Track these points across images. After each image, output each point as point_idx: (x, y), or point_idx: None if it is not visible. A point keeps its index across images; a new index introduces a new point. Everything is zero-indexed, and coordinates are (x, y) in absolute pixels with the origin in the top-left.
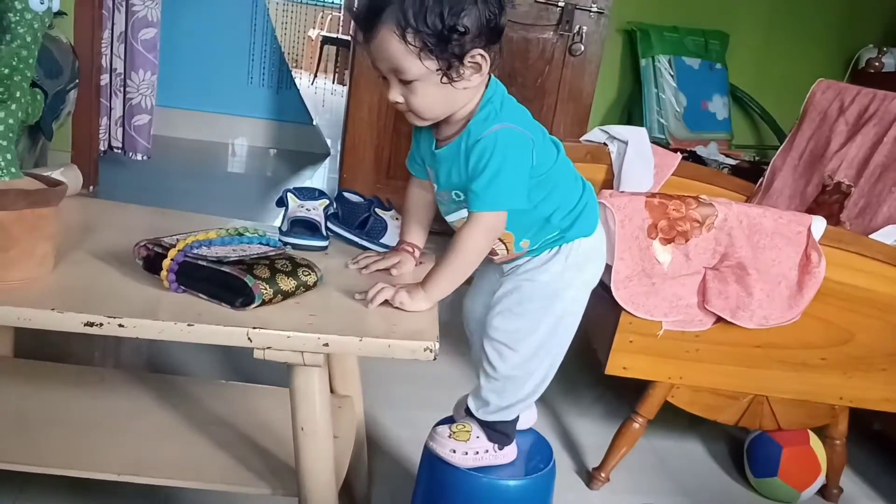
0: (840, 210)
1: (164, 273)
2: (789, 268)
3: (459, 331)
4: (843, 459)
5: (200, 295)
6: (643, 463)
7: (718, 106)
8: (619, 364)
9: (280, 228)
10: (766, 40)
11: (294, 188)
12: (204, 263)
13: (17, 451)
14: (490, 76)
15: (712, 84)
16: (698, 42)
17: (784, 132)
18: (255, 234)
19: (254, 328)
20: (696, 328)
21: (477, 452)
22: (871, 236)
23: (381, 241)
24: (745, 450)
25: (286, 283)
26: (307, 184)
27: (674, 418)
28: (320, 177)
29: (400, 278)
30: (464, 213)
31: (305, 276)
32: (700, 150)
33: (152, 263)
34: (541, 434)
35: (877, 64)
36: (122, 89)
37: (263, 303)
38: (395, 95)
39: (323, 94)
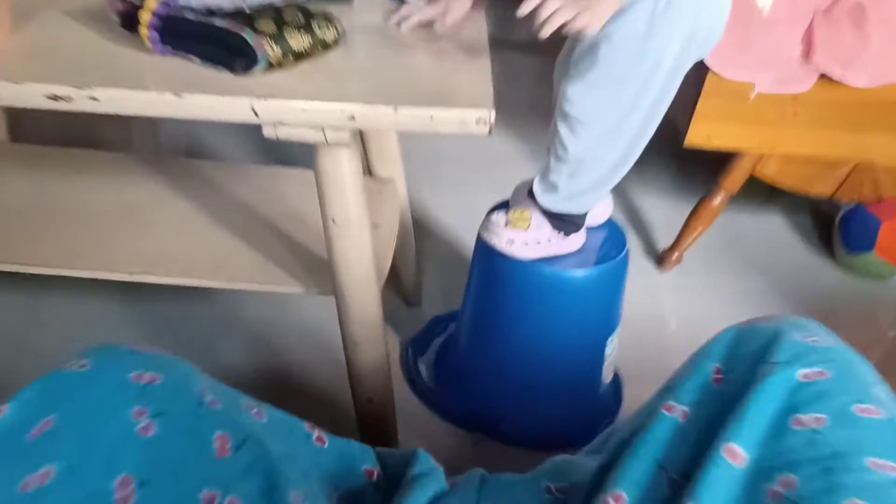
0: None
1: (143, 30)
2: None
3: (515, 102)
4: None
5: (193, 57)
6: (717, 241)
7: None
8: (702, 133)
9: None
10: None
11: None
12: (192, 17)
13: (23, 251)
14: None
15: None
16: None
17: None
18: None
19: (260, 98)
20: (793, 89)
21: (539, 242)
22: None
23: None
24: (837, 223)
25: (298, 41)
26: None
27: (751, 194)
28: None
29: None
30: None
31: (323, 31)
32: None
33: (131, 19)
34: (612, 220)
35: None
36: None
37: (271, 66)
38: None
39: None
